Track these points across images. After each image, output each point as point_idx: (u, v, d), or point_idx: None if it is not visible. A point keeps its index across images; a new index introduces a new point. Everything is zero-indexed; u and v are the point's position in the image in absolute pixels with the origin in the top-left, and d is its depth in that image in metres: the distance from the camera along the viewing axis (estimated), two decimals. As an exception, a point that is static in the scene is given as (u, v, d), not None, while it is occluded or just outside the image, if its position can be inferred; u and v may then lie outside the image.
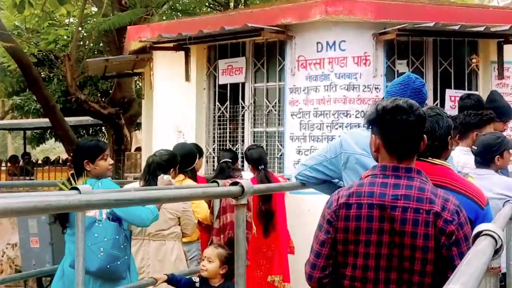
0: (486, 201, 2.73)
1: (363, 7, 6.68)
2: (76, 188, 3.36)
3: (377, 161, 2.50)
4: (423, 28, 6.51)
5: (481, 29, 6.46)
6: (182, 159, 5.41)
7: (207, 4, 16.64)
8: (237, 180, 3.36)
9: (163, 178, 4.70)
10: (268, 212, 5.83)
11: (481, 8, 7.32)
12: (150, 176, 4.87)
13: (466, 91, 6.91)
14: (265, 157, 6.16)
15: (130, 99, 13.22)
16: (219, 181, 4.83)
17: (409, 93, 3.23)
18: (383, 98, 3.60)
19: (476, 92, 6.80)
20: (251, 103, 7.35)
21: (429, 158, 2.79)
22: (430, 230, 2.23)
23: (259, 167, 5.88)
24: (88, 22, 14.90)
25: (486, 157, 4.48)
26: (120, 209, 4.08)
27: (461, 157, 4.69)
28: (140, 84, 13.31)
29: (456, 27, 6.43)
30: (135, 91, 14.26)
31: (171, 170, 5.08)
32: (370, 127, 2.50)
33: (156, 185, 4.77)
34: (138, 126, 16.12)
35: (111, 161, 4.55)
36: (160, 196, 3.02)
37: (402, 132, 2.38)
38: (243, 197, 3.13)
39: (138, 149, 13.40)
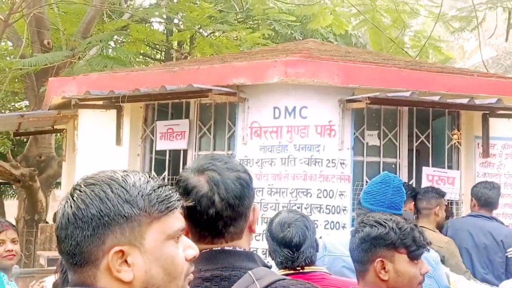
0: None
1: (328, 70, 6.75)
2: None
3: None
4: (398, 97, 6.58)
5: (464, 101, 6.57)
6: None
7: (147, 46, 16.72)
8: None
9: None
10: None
11: (465, 76, 7.45)
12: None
13: (446, 170, 7.03)
14: None
15: (48, 157, 12.98)
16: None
17: (391, 192, 3.60)
18: (359, 201, 3.81)
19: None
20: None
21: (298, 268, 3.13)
22: None
23: None
24: (3, 58, 14.73)
25: None
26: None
27: None
28: (62, 140, 13.12)
29: (436, 98, 6.53)
30: (55, 147, 14.02)
31: None
32: None
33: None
34: (58, 185, 15.79)
35: (10, 247, 4.44)
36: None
37: None
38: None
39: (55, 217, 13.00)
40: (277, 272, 3.19)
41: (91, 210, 1.39)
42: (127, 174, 1.47)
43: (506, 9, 11.94)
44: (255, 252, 1.90)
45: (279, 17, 15.50)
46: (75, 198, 1.43)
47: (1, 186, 20.94)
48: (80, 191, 1.44)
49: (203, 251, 1.83)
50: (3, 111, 16.90)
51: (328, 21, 15.03)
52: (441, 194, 5.92)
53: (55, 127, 9.84)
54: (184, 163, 7.28)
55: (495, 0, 12.34)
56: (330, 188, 6.70)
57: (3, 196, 22.38)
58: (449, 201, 6.91)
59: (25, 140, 15.69)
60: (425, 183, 6.86)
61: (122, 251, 1.38)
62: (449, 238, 5.72)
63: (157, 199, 1.43)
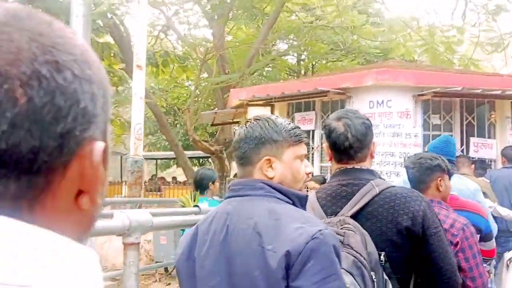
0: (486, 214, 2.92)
1: (405, 75, 6.47)
2: (197, 206, 3.57)
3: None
4: (452, 91, 6.19)
5: (498, 92, 6.09)
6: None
7: (286, 72, 16.79)
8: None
9: None
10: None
11: (498, 76, 6.91)
12: None
13: (486, 139, 6.54)
14: None
15: (230, 140, 13.32)
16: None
17: (451, 147, 3.44)
18: (428, 150, 3.62)
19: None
20: (319, 145, 7.21)
21: None
22: None
23: None
24: (202, 84, 15.27)
25: None
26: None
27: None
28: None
29: (478, 91, 6.10)
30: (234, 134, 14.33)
31: None
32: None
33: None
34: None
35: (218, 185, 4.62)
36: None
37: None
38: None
39: (236, 175, 13.40)
40: None
41: (255, 133, 1.47)
42: (277, 117, 1.54)
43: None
44: (374, 170, 1.88)
45: (369, 51, 14.96)
46: (247, 126, 1.51)
47: (203, 159, 21.86)
48: (251, 122, 1.51)
49: (341, 168, 1.85)
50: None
51: (401, 52, 14.35)
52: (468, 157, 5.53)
53: (234, 120, 10.07)
54: (313, 138, 7.23)
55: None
56: (408, 151, 6.40)
57: (207, 163, 23.32)
58: (489, 159, 6.43)
59: (217, 128, 16.20)
60: (472, 148, 6.42)
61: (269, 160, 1.46)
62: (486, 181, 5.26)
63: (293, 134, 1.48)
